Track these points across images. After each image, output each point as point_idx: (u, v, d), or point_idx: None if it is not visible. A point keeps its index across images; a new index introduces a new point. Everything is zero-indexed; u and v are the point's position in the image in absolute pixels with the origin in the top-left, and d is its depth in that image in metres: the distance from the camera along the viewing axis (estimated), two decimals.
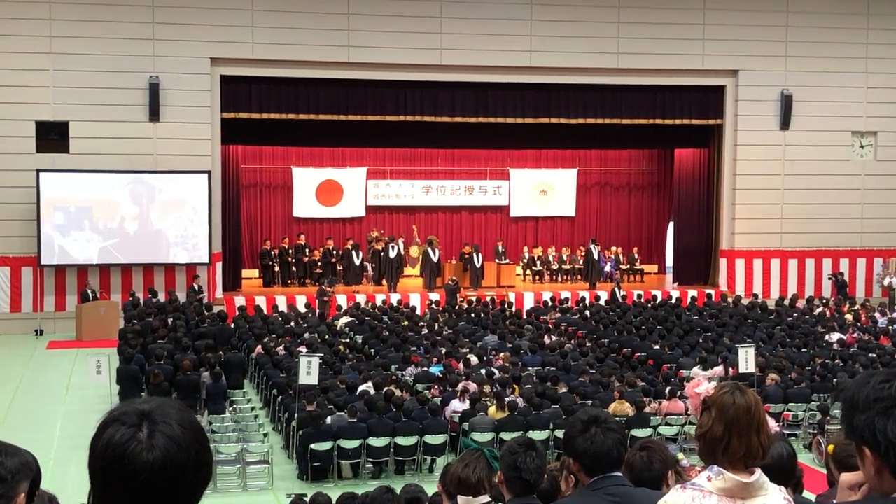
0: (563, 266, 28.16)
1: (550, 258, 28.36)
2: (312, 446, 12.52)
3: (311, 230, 27.76)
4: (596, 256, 26.95)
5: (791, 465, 4.06)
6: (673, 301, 23.67)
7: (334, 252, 26.51)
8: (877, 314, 22.34)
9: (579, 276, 27.72)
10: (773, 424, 12.65)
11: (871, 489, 2.23)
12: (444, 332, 19.23)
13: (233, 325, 20.09)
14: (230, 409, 14.92)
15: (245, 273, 26.37)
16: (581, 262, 27.75)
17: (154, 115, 22.88)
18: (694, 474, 3.25)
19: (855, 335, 19.68)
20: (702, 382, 3.03)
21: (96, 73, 22.55)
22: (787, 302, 23.80)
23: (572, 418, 3.70)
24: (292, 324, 19.90)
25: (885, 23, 26.67)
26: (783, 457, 3.92)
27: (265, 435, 13.44)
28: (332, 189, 28.04)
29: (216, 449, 12.14)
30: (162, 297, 22.04)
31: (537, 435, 12.55)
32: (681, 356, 17.47)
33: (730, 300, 23.83)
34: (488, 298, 23.42)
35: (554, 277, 28.12)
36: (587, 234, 29.13)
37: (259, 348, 17.56)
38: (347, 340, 18.71)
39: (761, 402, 2.92)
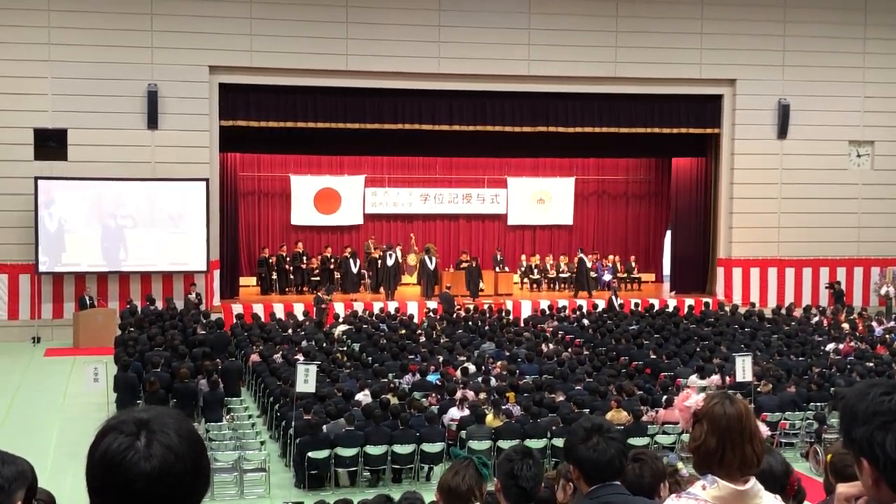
0: (561, 274, 28.16)
1: (548, 266, 28.36)
2: (310, 454, 12.52)
3: (308, 238, 27.74)
4: (589, 265, 26.97)
5: (783, 476, 4.03)
6: (670, 310, 23.66)
7: (332, 260, 26.51)
8: (874, 323, 22.34)
9: (576, 285, 27.73)
10: (763, 429, 12.66)
11: (869, 500, 2.24)
12: (442, 341, 19.22)
13: (230, 333, 20.07)
14: (227, 416, 14.89)
15: (243, 281, 26.37)
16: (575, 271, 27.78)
17: (152, 122, 22.90)
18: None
19: (852, 344, 19.67)
20: (690, 395, 3.05)
21: (95, 80, 22.56)
22: (784, 311, 23.81)
23: (574, 426, 3.68)
24: (290, 331, 19.87)
25: (883, 33, 26.73)
26: (772, 469, 3.86)
27: (262, 443, 13.42)
28: (330, 197, 28.05)
29: (213, 457, 12.13)
30: (159, 305, 22.03)
31: (534, 443, 12.56)
32: (678, 365, 17.47)
33: (727, 309, 23.81)
34: (486, 306, 23.43)
35: (551, 286, 28.12)
36: (585, 242, 29.16)
37: (256, 356, 17.54)
38: (345, 348, 18.70)
39: (752, 410, 2.92)
